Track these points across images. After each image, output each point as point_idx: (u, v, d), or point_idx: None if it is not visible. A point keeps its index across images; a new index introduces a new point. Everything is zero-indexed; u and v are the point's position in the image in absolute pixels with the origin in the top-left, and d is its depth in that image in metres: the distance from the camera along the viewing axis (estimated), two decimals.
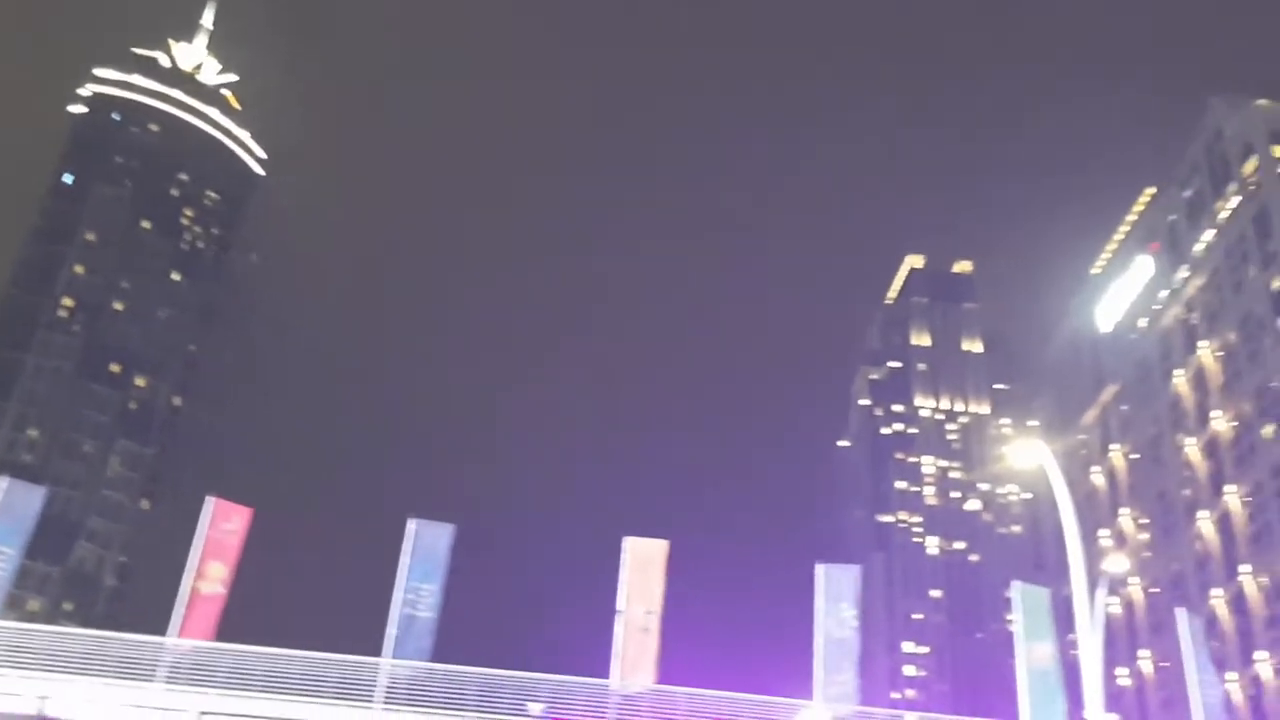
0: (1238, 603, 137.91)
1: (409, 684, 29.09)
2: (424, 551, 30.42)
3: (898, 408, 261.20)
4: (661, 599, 30.29)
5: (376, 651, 29.67)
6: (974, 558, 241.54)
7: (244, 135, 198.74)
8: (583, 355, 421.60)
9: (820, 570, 31.87)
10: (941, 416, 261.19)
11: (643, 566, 30.59)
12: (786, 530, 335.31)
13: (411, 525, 30.91)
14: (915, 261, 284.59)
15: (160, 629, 29.79)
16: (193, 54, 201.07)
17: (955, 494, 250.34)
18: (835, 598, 30.96)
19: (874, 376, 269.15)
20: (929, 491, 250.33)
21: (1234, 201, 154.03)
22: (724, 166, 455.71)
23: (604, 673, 29.80)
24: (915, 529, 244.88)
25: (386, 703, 28.77)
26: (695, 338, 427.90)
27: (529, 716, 28.27)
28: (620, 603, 30.39)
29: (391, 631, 29.74)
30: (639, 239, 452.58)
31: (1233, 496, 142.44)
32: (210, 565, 30.15)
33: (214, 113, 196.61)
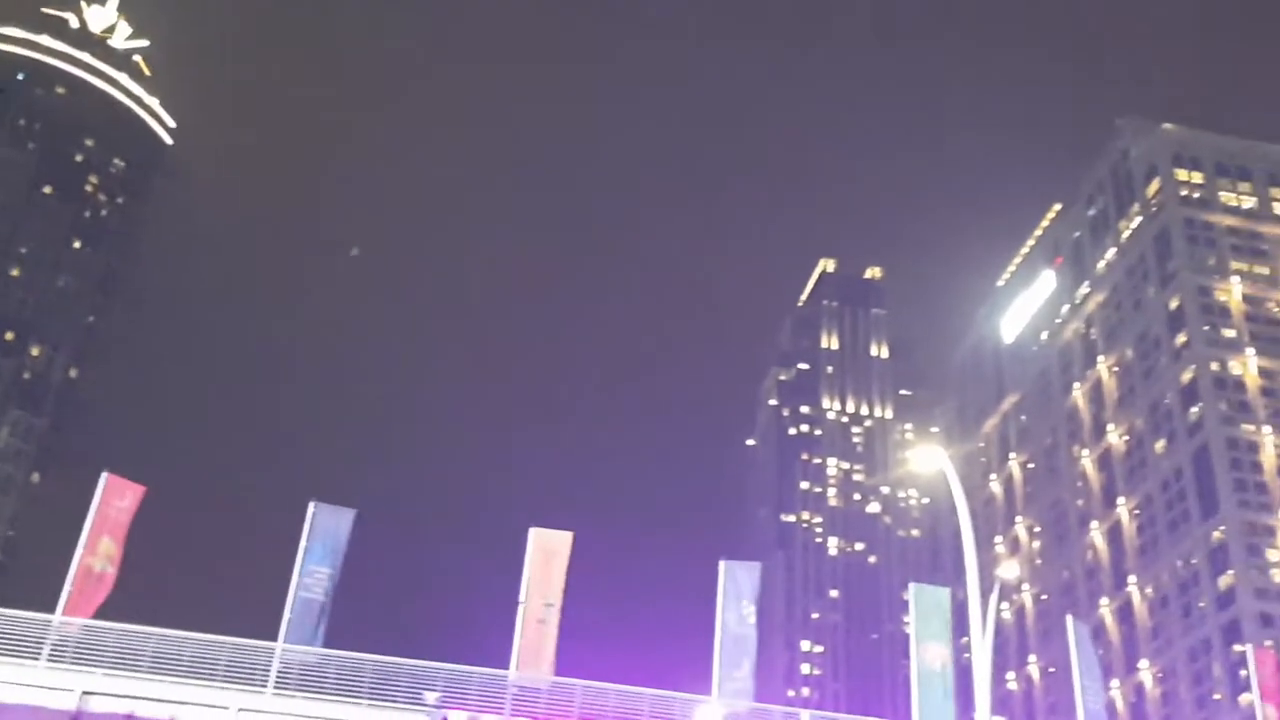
0: (1124, 612, 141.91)
1: (302, 669, 28.60)
2: (324, 535, 29.91)
3: (805, 409, 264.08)
4: (563, 591, 30.19)
5: (272, 636, 29.14)
6: (873, 559, 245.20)
7: (153, 103, 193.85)
8: (496, 344, 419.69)
9: (723, 567, 32.04)
10: (847, 420, 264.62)
11: (547, 558, 30.47)
12: (692, 526, 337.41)
13: (311, 508, 30.40)
14: (828, 266, 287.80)
15: (48, 606, 28.93)
16: (104, 17, 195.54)
17: (857, 496, 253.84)
18: (736, 595, 31.15)
19: (783, 377, 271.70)
20: (832, 493, 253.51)
21: (1136, 221, 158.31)
22: (646, 161, 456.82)
23: (504, 664, 29.62)
24: (817, 529, 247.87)
25: (278, 687, 28.27)
26: (609, 333, 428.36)
27: (424, 705, 27.98)
28: (522, 594, 30.23)
29: (287, 615, 29.21)
30: (556, 230, 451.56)
31: (1124, 509, 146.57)
32: (101, 542, 29.36)
33: (123, 78, 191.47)
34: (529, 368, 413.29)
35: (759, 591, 31.36)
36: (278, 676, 28.37)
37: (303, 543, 29.94)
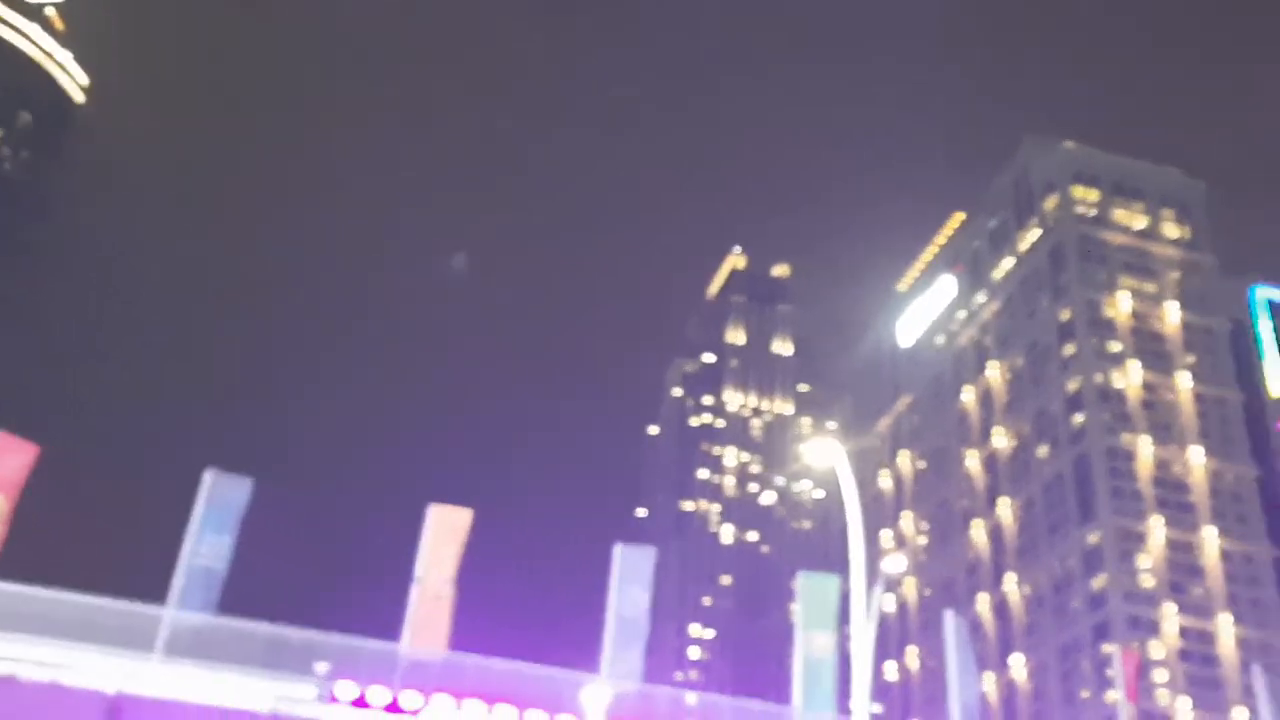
0: (1001, 608, 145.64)
1: (193, 635, 28.15)
2: (219, 503, 29.38)
3: (708, 400, 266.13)
4: (458, 568, 30.09)
5: (164, 602, 28.60)
6: (766, 549, 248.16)
7: (65, 58, 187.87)
8: (401, 318, 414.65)
9: (618, 551, 32.20)
10: (748, 412, 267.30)
11: (444, 534, 30.31)
12: (591, 510, 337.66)
13: (208, 476, 29.85)
14: (738, 261, 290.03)
15: None
16: None
17: (754, 487, 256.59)
18: (629, 579, 31.32)
19: (688, 368, 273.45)
20: (729, 483, 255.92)
21: (1034, 235, 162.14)
22: (565, 149, 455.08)
23: (397, 638, 29.45)
24: (713, 518, 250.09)
25: (167, 653, 27.78)
26: (518, 315, 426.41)
27: (314, 677, 27.72)
28: (419, 569, 30.07)
29: (179, 582, 28.70)
30: (470, 210, 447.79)
31: (1005, 509, 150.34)
32: None
33: (35, 31, 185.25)
34: (434, 344, 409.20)
35: (652, 576, 31.58)
36: (167, 642, 27.89)
37: (197, 509, 29.41)
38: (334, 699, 27.27)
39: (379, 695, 27.35)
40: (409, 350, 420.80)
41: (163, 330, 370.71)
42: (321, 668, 27.63)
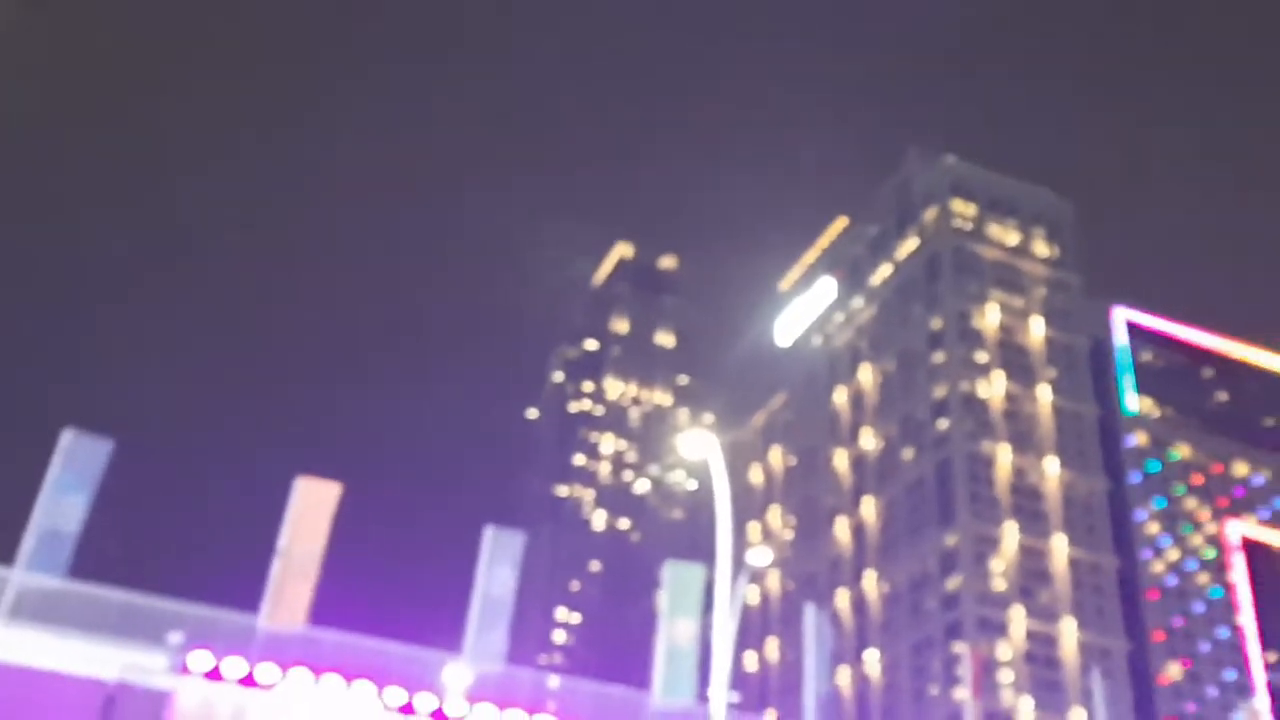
0: (859, 604, 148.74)
1: (40, 599, 26.97)
2: (76, 464, 28.20)
3: (588, 387, 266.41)
4: (325, 542, 29.39)
5: (11, 564, 27.37)
6: (636, 537, 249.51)
7: None
8: (279, 289, 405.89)
9: (488, 532, 31.88)
10: (627, 401, 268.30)
11: (311, 508, 29.59)
12: (466, 490, 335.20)
13: (66, 436, 28.63)
14: (625, 250, 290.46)
15: None
16: None
17: (628, 475, 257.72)
18: (498, 560, 31.04)
19: (571, 354, 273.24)
20: (604, 470, 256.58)
21: (912, 244, 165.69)
22: (458, 129, 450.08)
23: (258, 611, 28.67)
24: (586, 504, 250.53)
25: (12, 616, 26.58)
26: (404, 290, 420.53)
27: (166, 646, 26.76)
28: (282, 541, 29.29)
29: (28, 544, 27.46)
30: (358, 182, 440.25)
31: (870, 508, 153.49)
32: None
33: None
34: (315, 315, 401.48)
35: (521, 559, 31.33)
36: (11, 606, 26.67)
37: (52, 470, 28.18)
38: (186, 670, 26.38)
39: (234, 667, 26.54)
40: (288, 318, 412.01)
41: (36, 280, 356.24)
42: (175, 638, 26.70)
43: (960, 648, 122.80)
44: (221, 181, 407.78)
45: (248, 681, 26.50)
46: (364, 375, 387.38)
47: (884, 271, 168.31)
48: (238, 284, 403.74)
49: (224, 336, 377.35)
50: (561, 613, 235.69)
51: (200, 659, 26.40)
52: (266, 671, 26.64)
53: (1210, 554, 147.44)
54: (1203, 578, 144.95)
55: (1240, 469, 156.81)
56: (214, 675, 26.43)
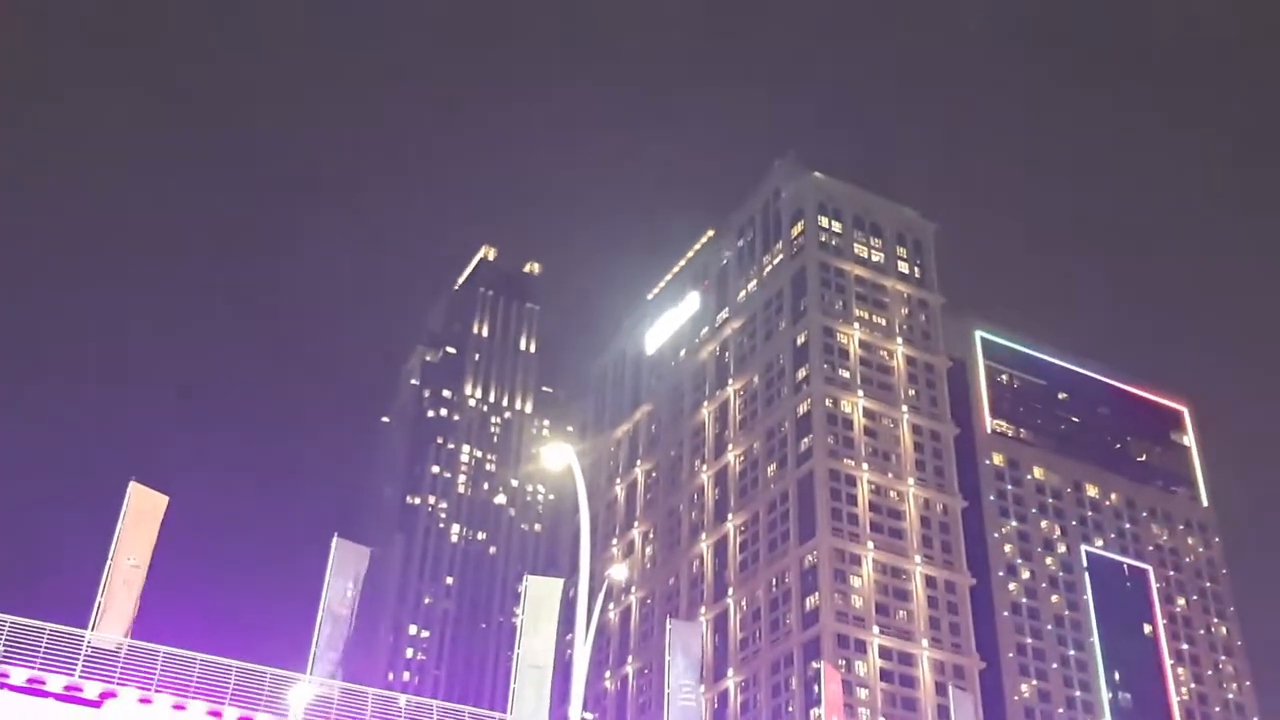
0: (719, 622, 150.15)
1: None
2: None
3: (446, 393, 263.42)
4: (151, 553, 28.29)
5: None
6: (493, 550, 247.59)
7: None
8: (122, 293, 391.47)
9: (335, 543, 31.15)
10: (487, 409, 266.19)
11: (141, 517, 28.46)
12: (316, 498, 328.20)
13: None
14: (489, 253, 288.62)
15: None
16: None
17: (486, 486, 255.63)
18: (344, 573, 30.34)
19: (429, 358, 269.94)
20: (461, 480, 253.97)
21: (779, 259, 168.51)
22: (320, 131, 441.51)
23: (85, 624, 27.41)
24: (441, 515, 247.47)
25: None
26: (258, 293, 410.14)
27: None
28: (111, 550, 28.11)
29: None
30: (209, 185, 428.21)
31: (732, 525, 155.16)
32: None
33: None
34: (167, 319, 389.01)
35: (366, 574, 30.71)
36: None
37: None
38: (3, 684, 25.08)
39: (57, 682, 25.33)
40: (130, 326, 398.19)
41: None
42: None
43: (818, 665, 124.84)
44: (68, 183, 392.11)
45: (71, 698, 25.34)
46: (219, 379, 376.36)
47: (750, 285, 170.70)
48: (86, 284, 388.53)
49: (62, 342, 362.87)
50: (413, 629, 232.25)
51: (18, 674, 25.15)
52: (92, 688, 25.51)
53: (1062, 574, 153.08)
54: (1054, 598, 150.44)
55: (1091, 490, 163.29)
56: (35, 690, 25.22)
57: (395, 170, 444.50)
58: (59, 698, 25.39)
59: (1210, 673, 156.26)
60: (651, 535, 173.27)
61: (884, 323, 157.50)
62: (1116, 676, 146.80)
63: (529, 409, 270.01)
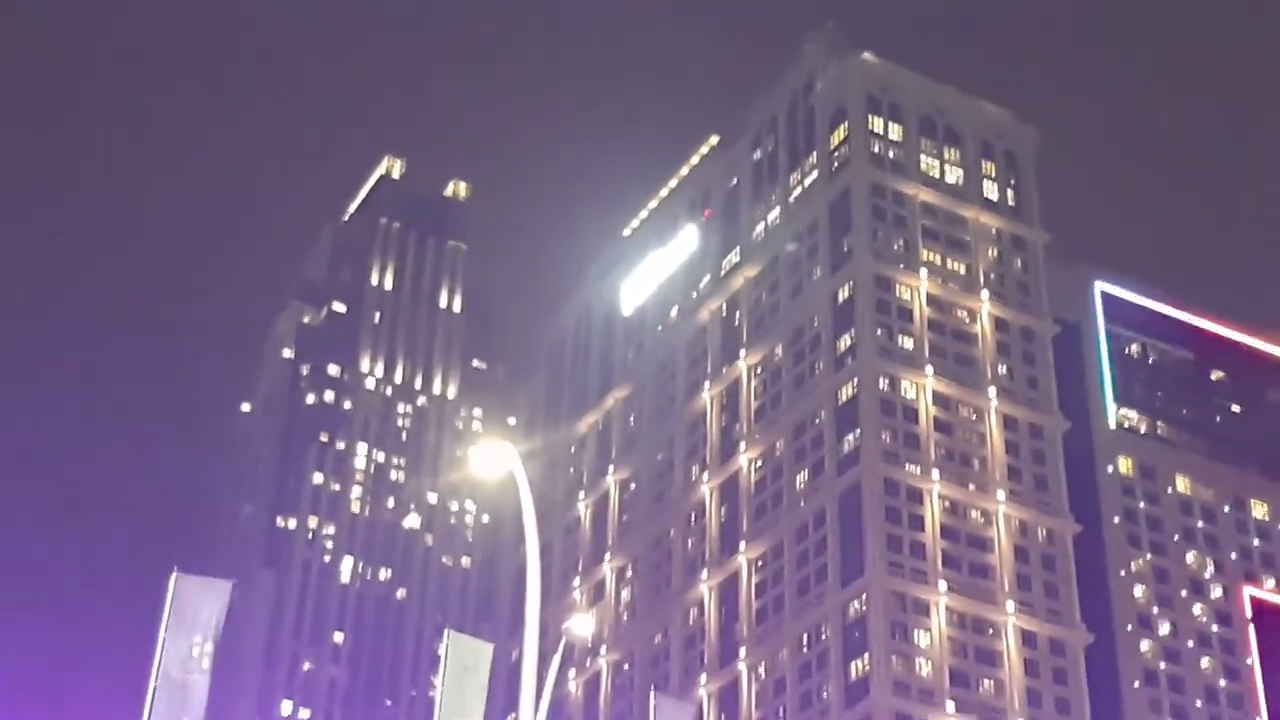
0: (727, 697, 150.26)
1: None
2: None
3: (333, 369, 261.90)
4: None
5: None
6: (402, 594, 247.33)
7: None
8: None
9: (174, 580, 31.00)
10: (392, 391, 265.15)
11: None
12: (150, 519, 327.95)
13: None
14: (393, 167, 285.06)
15: None
16: None
17: (392, 503, 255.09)
18: (189, 623, 30.13)
19: (306, 319, 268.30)
20: (356, 494, 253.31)
21: (812, 177, 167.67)
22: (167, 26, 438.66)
23: None
24: (327, 543, 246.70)
25: None
26: (58, 227, 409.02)
27: None
28: None
29: None
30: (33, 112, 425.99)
31: (744, 558, 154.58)
32: None
33: None
34: None
35: (222, 623, 30.60)
36: None
37: None
38: None
39: None
40: None
41: None
42: None
43: None
44: None
45: None
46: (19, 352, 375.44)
47: (770, 215, 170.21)
48: None
49: None
50: (287, 706, 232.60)
51: None
52: None
53: (1216, 628, 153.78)
54: (1205, 661, 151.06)
55: (1259, 510, 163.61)
56: None
57: (258, 57, 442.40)
58: None
59: None
60: (630, 573, 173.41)
61: (963, 270, 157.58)
62: None
63: (452, 392, 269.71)
